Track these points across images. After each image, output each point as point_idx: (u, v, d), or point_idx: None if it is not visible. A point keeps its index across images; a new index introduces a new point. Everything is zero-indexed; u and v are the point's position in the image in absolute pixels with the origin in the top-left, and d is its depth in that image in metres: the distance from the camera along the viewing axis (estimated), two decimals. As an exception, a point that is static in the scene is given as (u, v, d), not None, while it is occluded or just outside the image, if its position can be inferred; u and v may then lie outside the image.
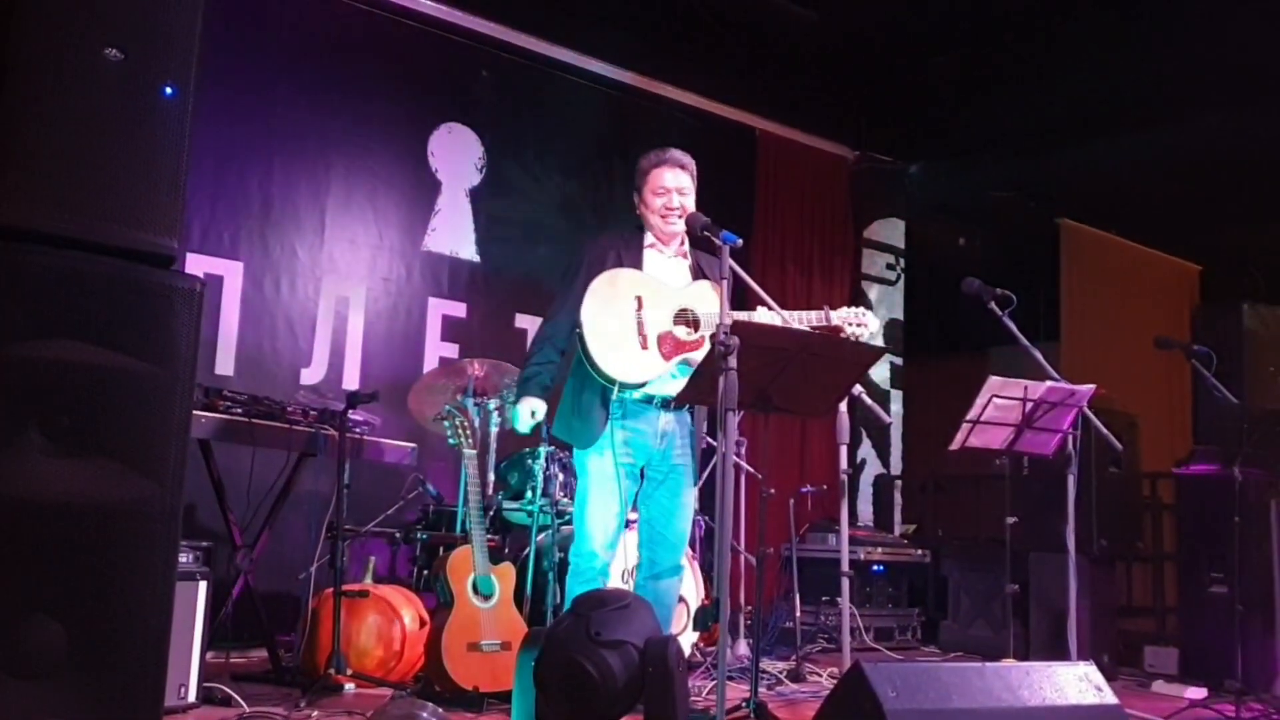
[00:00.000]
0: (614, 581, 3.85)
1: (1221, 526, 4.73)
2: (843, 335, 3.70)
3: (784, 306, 3.61)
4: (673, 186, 3.66)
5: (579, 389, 3.57)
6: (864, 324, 3.71)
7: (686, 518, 3.69)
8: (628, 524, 3.88)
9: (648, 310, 3.51)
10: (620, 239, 3.71)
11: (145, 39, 2.43)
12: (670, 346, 3.51)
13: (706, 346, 3.48)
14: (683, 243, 3.74)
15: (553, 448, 4.79)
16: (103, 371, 2.31)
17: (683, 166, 3.71)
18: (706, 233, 3.33)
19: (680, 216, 3.62)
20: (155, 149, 2.43)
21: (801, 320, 3.61)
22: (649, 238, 3.72)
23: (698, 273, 3.72)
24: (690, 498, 3.68)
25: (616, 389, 3.49)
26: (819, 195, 7.98)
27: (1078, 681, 2.82)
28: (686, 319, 3.56)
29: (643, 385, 3.51)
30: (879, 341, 7.92)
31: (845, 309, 3.73)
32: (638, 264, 3.64)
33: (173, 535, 2.40)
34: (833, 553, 6.15)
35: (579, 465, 3.64)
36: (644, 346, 3.49)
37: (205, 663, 3.59)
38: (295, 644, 4.35)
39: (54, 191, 2.31)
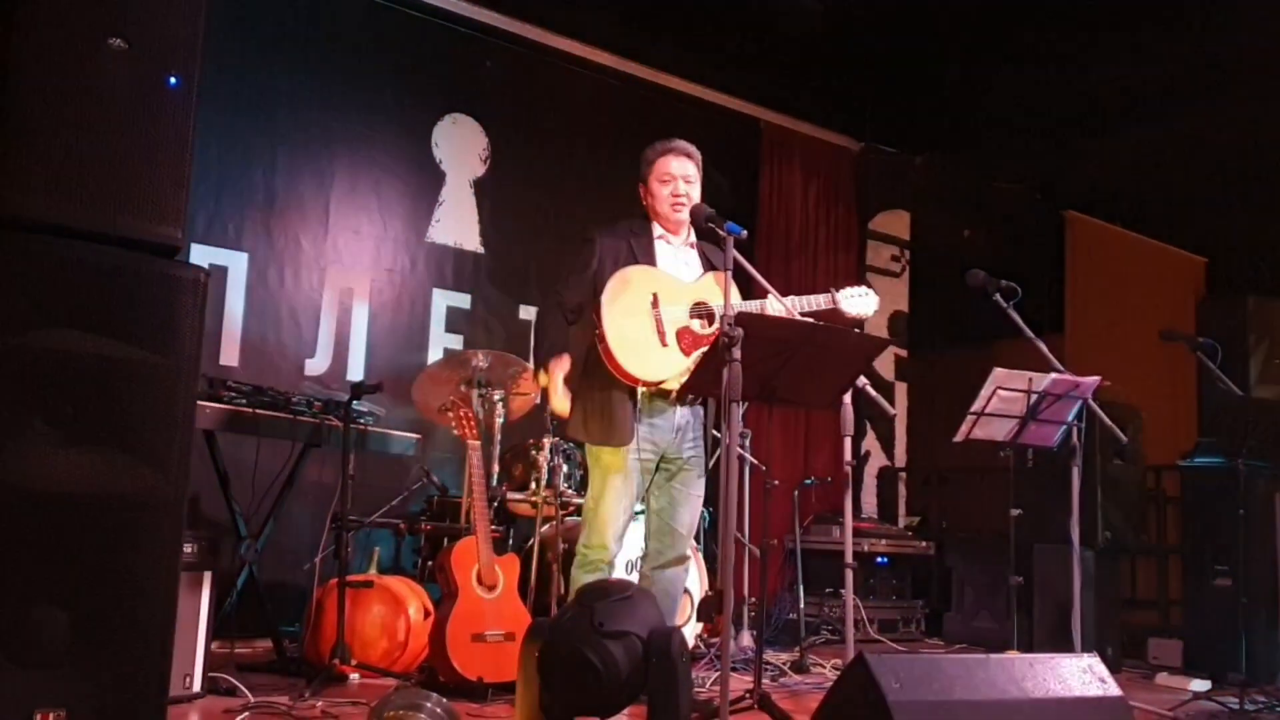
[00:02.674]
0: (617, 573, 3.85)
1: (1226, 519, 4.73)
2: (849, 315, 3.74)
3: (788, 298, 3.60)
4: (679, 174, 3.66)
5: (602, 389, 3.54)
6: (865, 298, 3.76)
7: (695, 509, 3.70)
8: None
9: (664, 307, 3.51)
10: (630, 231, 3.70)
11: (150, 29, 2.43)
12: (689, 341, 3.51)
13: None
14: (690, 233, 3.74)
15: (557, 439, 4.79)
16: (107, 361, 2.31)
17: (689, 155, 3.70)
18: (711, 224, 3.33)
19: (686, 205, 3.61)
20: (159, 139, 2.43)
21: (808, 305, 3.62)
22: (657, 229, 3.71)
23: (706, 263, 3.71)
24: (699, 489, 3.69)
25: (642, 387, 3.49)
26: (824, 187, 7.96)
27: (1081, 673, 2.82)
28: (702, 312, 3.56)
29: (665, 382, 3.51)
30: (882, 330, 7.92)
31: (848, 289, 3.77)
32: (650, 257, 3.64)
33: (177, 525, 2.41)
34: (836, 544, 6.16)
35: (592, 459, 3.62)
36: (664, 343, 3.49)
37: (210, 653, 3.60)
38: (300, 634, 4.36)
39: (58, 181, 2.31)
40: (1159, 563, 6.91)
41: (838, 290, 3.75)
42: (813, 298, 3.67)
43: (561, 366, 3.57)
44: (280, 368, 5.45)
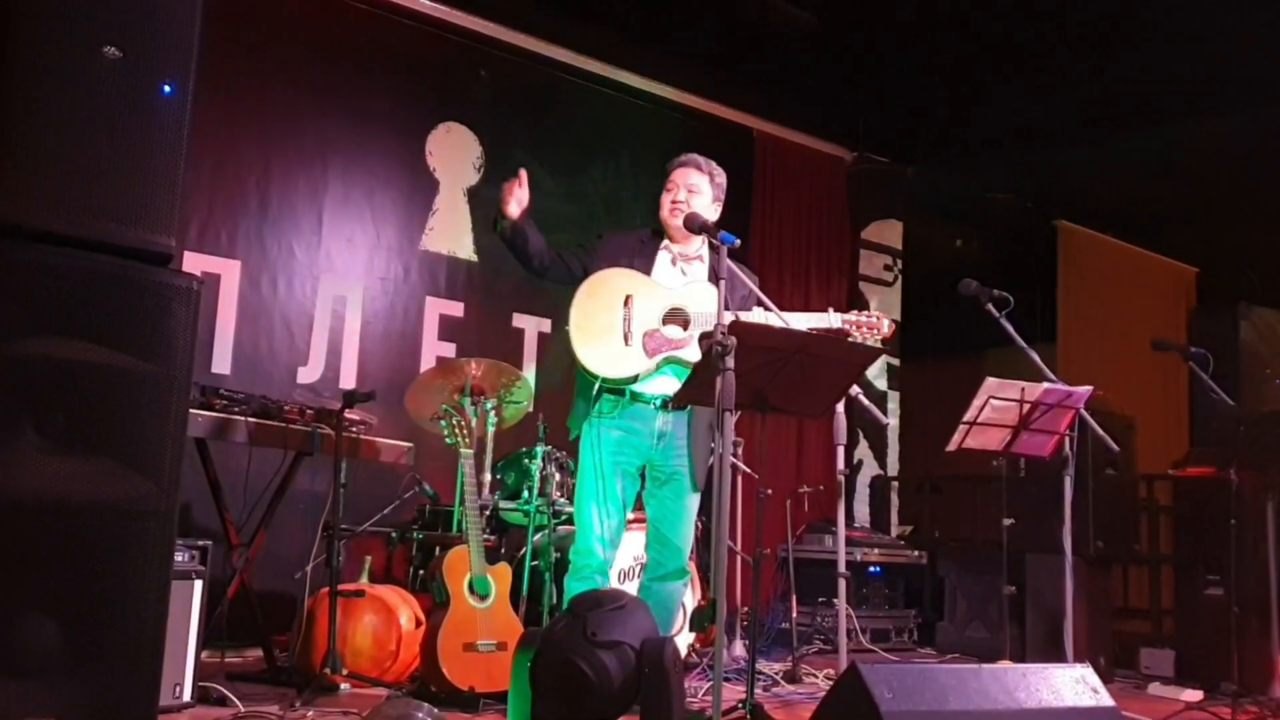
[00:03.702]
0: (611, 583, 3.84)
1: (1218, 529, 4.74)
2: (849, 338, 3.68)
3: (780, 306, 3.61)
4: (681, 183, 3.69)
5: (577, 383, 3.61)
6: (876, 327, 3.69)
7: (688, 520, 3.68)
8: (629, 523, 3.87)
9: (636, 308, 3.52)
10: (639, 239, 3.72)
11: (144, 37, 2.44)
12: (655, 344, 3.51)
13: (694, 345, 3.48)
14: (702, 246, 3.73)
15: (550, 447, 4.79)
16: (99, 369, 2.30)
17: (698, 167, 3.73)
18: (704, 232, 3.34)
19: (682, 212, 3.62)
20: (153, 147, 2.43)
21: (801, 323, 3.61)
22: (665, 240, 3.72)
23: (714, 277, 3.70)
24: (691, 500, 3.66)
25: (598, 384, 3.49)
26: (816, 196, 7.98)
27: (1074, 683, 2.82)
28: (678, 318, 3.56)
29: (628, 381, 3.51)
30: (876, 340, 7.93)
31: (854, 313, 3.72)
32: (648, 264, 3.65)
33: (168, 534, 2.40)
34: (829, 554, 6.15)
35: (579, 464, 3.64)
36: (627, 343, 3.49)
37: (200, 662, 3.58)
38: (291, 643, 4.34)
39: (52, 189, 2.31)
40: (1151, 572, 6.92)
41: (843, 312, 3.71)
42: (806, 315, 3.65)
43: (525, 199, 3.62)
44: (273, 376, 5.44)
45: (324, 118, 5.78)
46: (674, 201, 3.66)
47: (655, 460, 3.61)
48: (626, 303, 3.52)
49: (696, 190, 3.69)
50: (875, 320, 3.70)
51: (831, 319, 3.66)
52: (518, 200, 3.60)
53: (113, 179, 2.38)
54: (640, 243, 3.71)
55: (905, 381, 8.38)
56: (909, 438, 8.32)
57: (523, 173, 3.61)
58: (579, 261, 3.65)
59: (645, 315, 3.53)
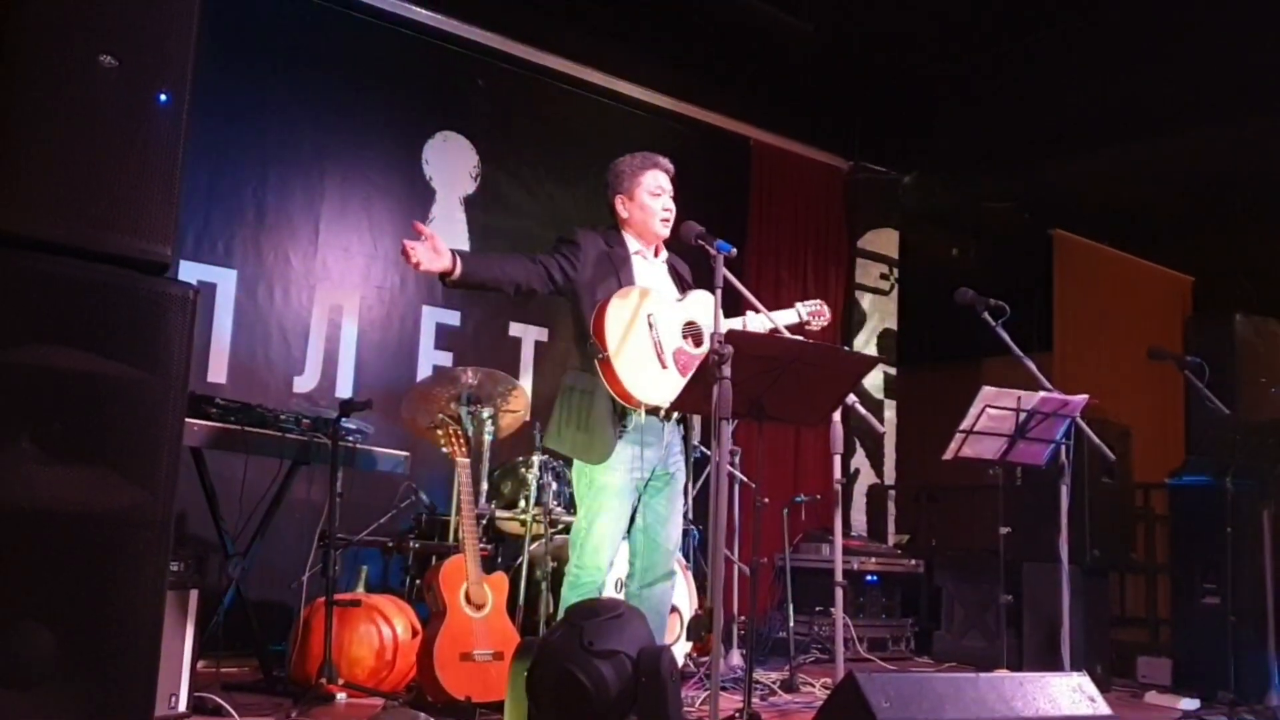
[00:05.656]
0: (607, 592, 3.84)
1: (1214, 537, 4.75)
2: (807, 327, 3.89)
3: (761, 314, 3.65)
4: (668, 189, 3.69)
5: (587, 402, 3.50)
6: (821, 314, 3.96)
7: (679, 524, 3.72)
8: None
9: (660, 329, 3.52)
10: (605, 242, 3.67)
11: (141, 46, 2.43)
12: (684, 361, 3.52)
13: None
14: (657, 250, 3.75)
15: (546, 457, 4.78)
16: (95, 378, 2.30)
17: (668, 171, 3.74)
18: (701, 241, 3.34)
19: (672, 220, 3.64)
20: (150, 156, 2.43)
21: (782, 320, 3.75)
22: (633, 244, 3.70)
23: (676, 276, 3.75)
24: (681, 504, 3.71)
25: (621, 408, 3.46)
26: (813, 205, 8.00)
27: (1071, 692, 2.82)
28: (692, 332, 3.57)
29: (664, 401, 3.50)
30: (871, 348, 7.94)
31: (808, 303, 3.98)
32: (629, 273, 3.64)
33: (164, 543, 2.39)
34: (826, 562, 6.14)
35: (585, 479, 3.54)
36: (664, 366, 3.49)
37: (196, 672, 3.57)
38: (287, 653, 4.33)
39: (48, 198, 2.31)
40: (1148, 581, 6.92)
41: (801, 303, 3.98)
42: (783, 313, 3.77)
43: (442, 246, 3.46)
44: (269, 385, 5.44)
45: (321, 127, 5.79)
46: (666, 209, 3.66)
47: (658, 470, 3.61)
48: (649, 324, 3.51)
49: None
50: (819, 307, 3.98)
51: (800, 310, 3.93)
52: (422, 258, 3.42)
53: (109, 187, 2.38)
54: (608, 245, 3.66)
55: (902, 390, 8.38)
56: (906, 446, 8.32)
57: (418, 225, 3.48)
58: (560, 271, 3.58)
59: (669, 334, 3.54)
